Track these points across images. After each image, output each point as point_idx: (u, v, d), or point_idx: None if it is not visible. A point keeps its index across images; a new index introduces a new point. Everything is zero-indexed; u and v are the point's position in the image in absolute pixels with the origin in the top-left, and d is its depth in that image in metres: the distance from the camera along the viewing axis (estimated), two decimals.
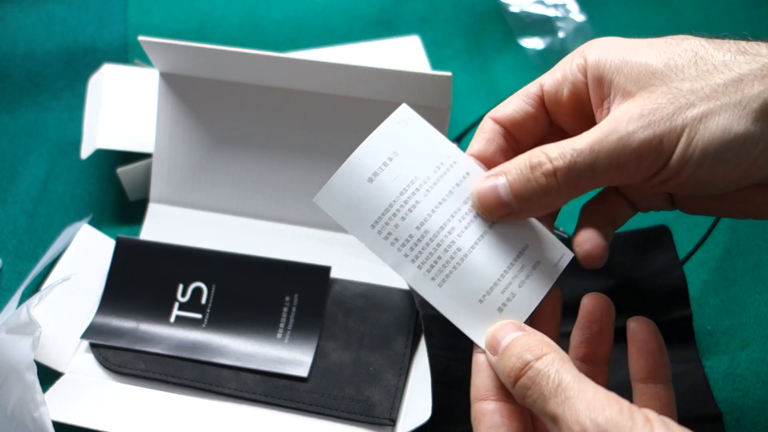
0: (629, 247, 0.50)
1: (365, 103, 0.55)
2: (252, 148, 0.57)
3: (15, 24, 0.76)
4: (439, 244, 0.38)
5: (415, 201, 0.39)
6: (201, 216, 0.58)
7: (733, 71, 0.35)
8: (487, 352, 0.37)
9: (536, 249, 0.39)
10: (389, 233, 0.38)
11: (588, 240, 0.39)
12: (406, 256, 0.38)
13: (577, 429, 0.31)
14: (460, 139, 0.63)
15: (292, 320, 0.52)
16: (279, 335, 0.52)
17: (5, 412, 0.45)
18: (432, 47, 0.71)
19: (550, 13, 0.73)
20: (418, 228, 0.38)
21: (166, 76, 0.57)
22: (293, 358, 0.51)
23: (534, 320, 0.39)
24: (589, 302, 0.39)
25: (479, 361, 0.38)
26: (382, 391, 0.49)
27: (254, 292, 0.53)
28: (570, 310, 0.50)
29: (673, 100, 0.35)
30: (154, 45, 0.54)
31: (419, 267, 0.38)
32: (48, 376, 0.50)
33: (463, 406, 0.46)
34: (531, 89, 0.41)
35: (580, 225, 0.40)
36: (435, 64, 0.69)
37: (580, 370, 0.37)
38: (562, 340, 0.39)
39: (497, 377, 0.37)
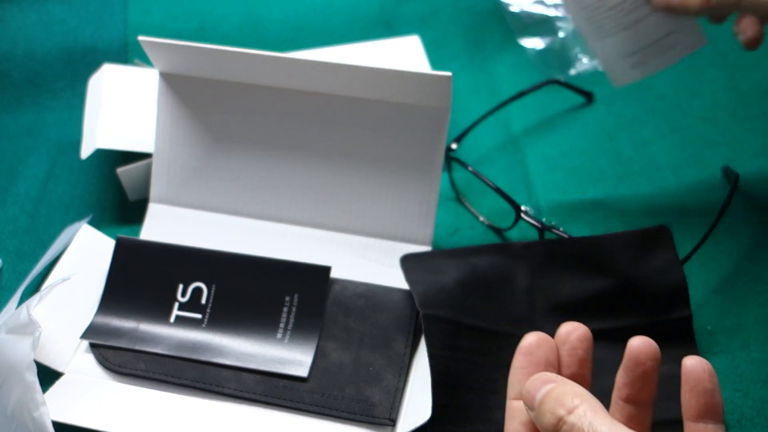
0: (629, 247, 0.50)
1: (365, 103, 0.55)
2: (252, 148, 0.57)
3: (15, 24, 0.76)
4: (609, 16, 0.58)
5: None
6: (201, 216, 0.58)
7: None
8: (526, 407, 0.38)
9: (680, 35, 0.58)
10: (584, 6, 0.59)
11: (749, 26, 0.52)
12: (587, 18, 0.59)
13: None
14: (460, 139, 0.63)
15: (292, 320, 0.52)
16: (279, 335, 0.52)
17: (5, 412, 0.45)
18: (432, 47, 0.71)
19: (550, 13, 0.73)
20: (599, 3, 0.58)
21: (166, 76, 0.57)
22: (293, 358, 0.50)
23: (564, 366, 0.39)
24: (635, 345, 0.39)
25: (513, 407, 0.39)
26: (382, 391, 0.49)
27: (254, 292, 0.53)
28: (571, 310, 0.50)
29: None
30: (154, 45, 0.54)
31: (593, 24, 0.59)
32: (48, 376, 0.50)
33: (463, 406, 0.47)
34: None
35: (740, 16, 0.53)
36: (435, 64, 0.69)
37: (624, 411, 0.38)
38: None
39: (528, 423, 0.38)
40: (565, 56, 0.71)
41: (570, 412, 0.34)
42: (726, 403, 0.48)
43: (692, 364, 0.38)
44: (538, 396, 0.36)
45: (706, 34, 0.58)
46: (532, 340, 0.40)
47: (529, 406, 0.37)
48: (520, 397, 0.39)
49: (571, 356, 0.40)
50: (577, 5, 0.59)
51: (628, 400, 0.39)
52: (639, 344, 0.39)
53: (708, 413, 0.38)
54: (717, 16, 0.56)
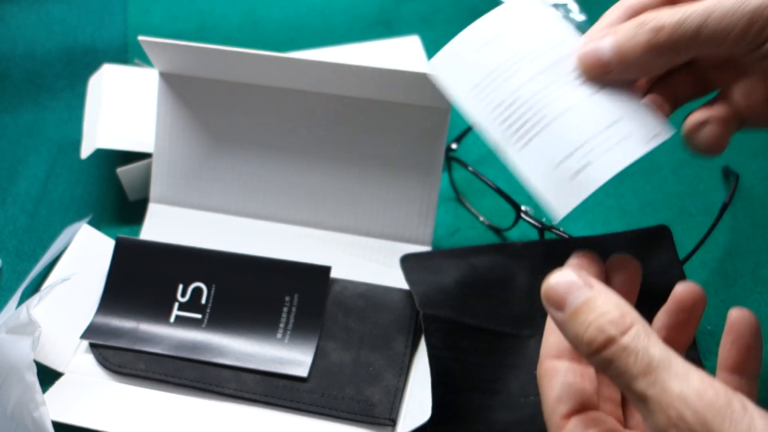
0: (629, 247, 0.50)
1: (365, 103, 0.55)
2: (252, 148, 0.57)
3: (15, 24, 0.76)
4: (529, 108, 0.39)
5: (517, 68, 0.40)
6: (201, 216, 0.58)
7: None
8: (548, 306, 0.33)
9: (631, 122, 0.39)
10: (487, 95, 0.41)
11: (707, 127, 0.38)
12: (496, 117, 0.40)
13: (673, 414, 0.29)
14: (460, 139, 0.63)
15: (292, 320, 0.52)
16: (279, 335, 0.52)
17: (5, 412, 0.45)
18: (432, 47, 0.71)
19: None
20: (513, 92, 0.40)
21: (166, 76, 0.57)
22: (293, 358, 0.50)
23: (612, 285, 0.37)
24: (682, 290, 0.37)
25: (554, 367, 0.36)
26: (382, 391, 0.49)
27: (254, 292, 0.53)
28: None
29: None
30: (154, 45, 0.54)
31: (507, 128, 0.40)
32: (48, 376, 0.50)
33: (464, 405, 0.47)
34: None
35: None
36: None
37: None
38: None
39: (575, 386, 0.35)
40: None
41: (623, 333, 0.31)
42: None
43: (738, 315, 0.36)
44: (574, 301, 0.32)
45: (669, 122, 0.40)
46: (580, 256, 0.37)
47: (556, 306, 0.33)
48: (560, 355, 0.35)
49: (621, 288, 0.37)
50: (479, 99, 0.41)
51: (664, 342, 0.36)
52: (687, 290, 0.37)
53: (744, 367, 0.36)
54: (666, 65, 0.40)
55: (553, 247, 0.51)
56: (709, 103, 0.40)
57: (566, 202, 0.38)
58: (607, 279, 0.38)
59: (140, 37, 0.54)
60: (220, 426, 0.48)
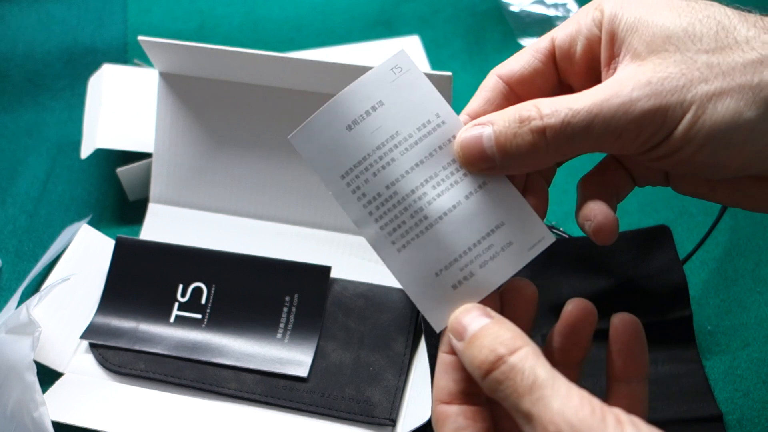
0: (629, 246, 0.50)
1: None
2: (252, 148, 0.57)
3: (15, 24, 0.76)
4: (406, 208, 0.36)
5: (391, 158, 0.37)
6: (201, 216, 0.58)
7: (755, 51, 0.32)
8: (451, 336, 0.35)
9: (513, 228, 0.37)
10: (358, 187, 0.36)
11: (598, 212, 0.36)
12: (370, 214, 0.36)
13: (552, 429, 0.30)
14: None
15: (292, 320, 0.52)
16: (279, 335, 0.52)
17: (5, 412, 0.45)
18: (432, 47, 0.71)
19: (550, 12, 0.73)
20: (388, 187, 0.36)
21: (165, 76, 0.57)
22: (293, 358, 0.50)
23: (506, 311, 0.37)
24: (572, 309, 0.37)
25: (445, 361, 0.36)
26: (382, 391, 0.49)
27: (254, 292, 0.53)
28: None
29: (686, 71, 0.33)
30: (154, 45, 0.54)
31: (382, 228, 0.36)
32: (48, 376, 0.50)
33: None
34: (542, 44, 0.38)
35: (584, 198, 0.37)
36: (435, 64, 0.69)
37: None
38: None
39: (462, 381, 0.35)
40: None
41: (512, 352, 0.32)
42: (726, 403, 0.48)
43: (620, 323, 0.36)
44: (472, 328, 0.34)
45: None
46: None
47: (458, 337, 0.34)
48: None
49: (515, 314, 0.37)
50: (349, 191, 0.37)
51: (559, 363, 0.36)
52: (576, 308, 0.37)
53: (632, 374, 0.36)
54: (549, 166, 0.37)
55: (553, 248, 0.51)
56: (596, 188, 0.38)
57: (444, 315, 0.36)
58: (504, 304, 0.38)
59: (140, 37, 0.54)
60: (220, 426, 0.48)
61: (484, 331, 0.34)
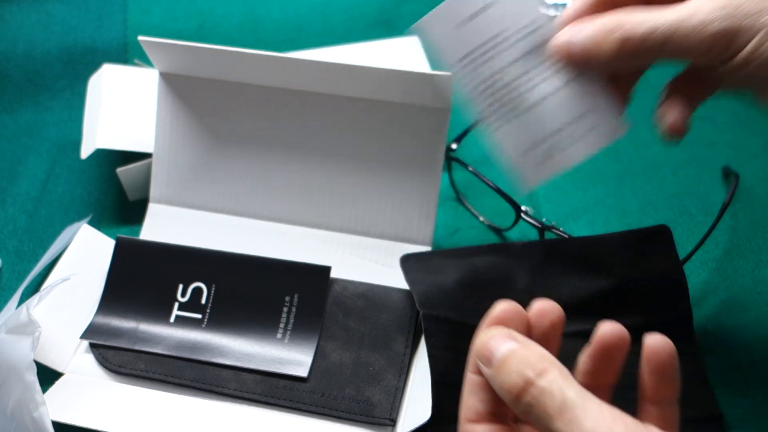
0: (629, 247, 0.50)
1: (365, 103, 0.55)
2: (252, 148, 0.57)
3: (15, 24, 0.76)
4: (510, 92, 0.45)
5: (501, 49, 0.45)
6: (201, 216, 0.58)
7: None
8: (480, 363, 0.36)
9: (596, 117, 0.44)
10: (473, 69, 0.45)
11: (672, 111, 0.42)
12: (481, 92, 0.45)
13: None
14: (460, 139, 0.63)
15: (292, 320, 0.52)
16: (279, 335, 0.52)
17: (5, 412, 0.45)
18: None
19: (551, 12, 0.73)
20: (495, 74, 0.45)
21: (165, 76, 0.57)
22: (293, 358, 0.50)
23: (533, 334, 0.37)
24: (605, 333, 0.36)
25: (472, 381, 0.37)
26: (382, 391, 0.49)
27: (254, 292, 0.53)
28: (571, 310, 0.50)
29: (759, 1, 0.38)
30: (154, 45, 0.54)
31: (489, 105, 0.45)
32: (48, 376, 0.50)
33: None
34: None
35: (665, 99, 0.43)
36: (435, 64, 0.69)
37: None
38: (565, 340, 0.39)
39: (489, 401, 0.36)
40: None
41: (540, 375, 0.33)
42: (726, 403, 0.48)
43: (655, 344, 0.36)
44: (500, 353, 0.34)
45: (629, 120, 0.45)
46: (505, 307, 0.37)
47: (485, 363, 0.35)
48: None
49: (543, 336, 0.38)
50: (466, 71, 0.45)
51: (590, 386, 0.36)
52: (610, 332, 0.36)
53: (664, 397, 0.36)
54: (632, 70, 0.45)
55: (553, 247, 0.51)
56: (675, 89, 0.44)
57: (532, 180, 0.45)
58: (531, 326, 0.38)
59: (140, 37, 0.54)
60: (220, 426, 0.48)
61: (511, 356, 0.34)
